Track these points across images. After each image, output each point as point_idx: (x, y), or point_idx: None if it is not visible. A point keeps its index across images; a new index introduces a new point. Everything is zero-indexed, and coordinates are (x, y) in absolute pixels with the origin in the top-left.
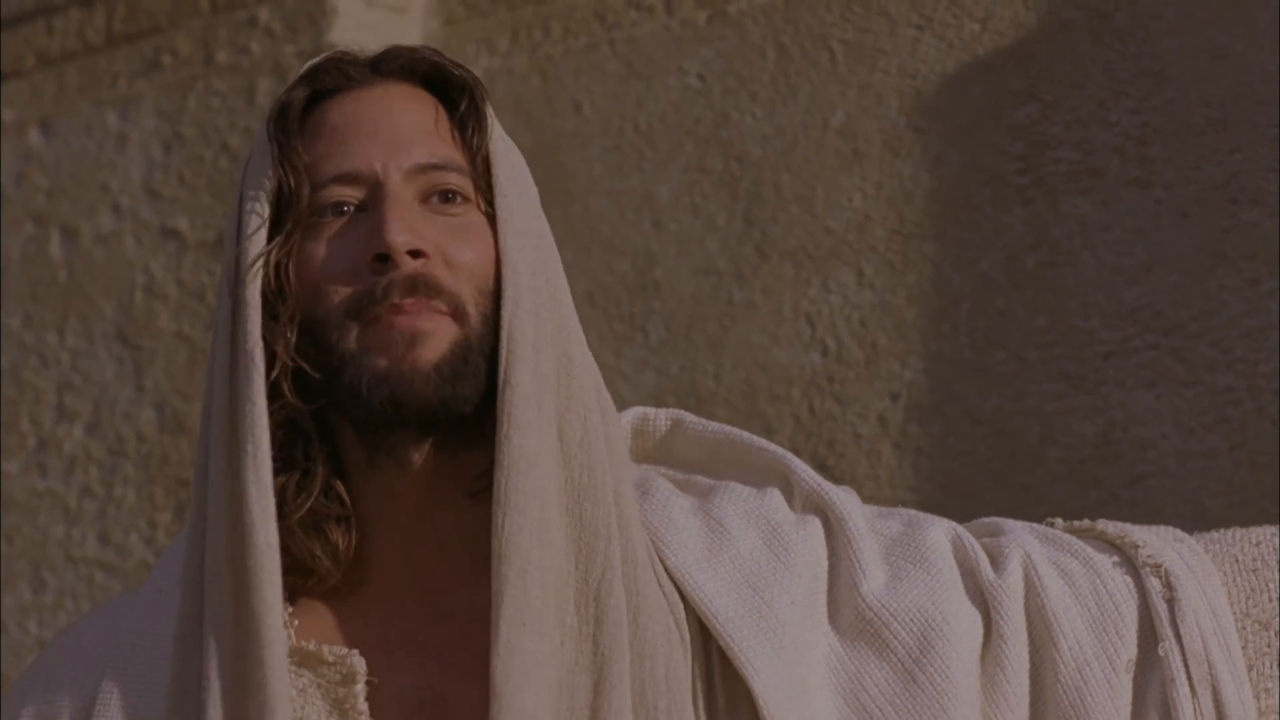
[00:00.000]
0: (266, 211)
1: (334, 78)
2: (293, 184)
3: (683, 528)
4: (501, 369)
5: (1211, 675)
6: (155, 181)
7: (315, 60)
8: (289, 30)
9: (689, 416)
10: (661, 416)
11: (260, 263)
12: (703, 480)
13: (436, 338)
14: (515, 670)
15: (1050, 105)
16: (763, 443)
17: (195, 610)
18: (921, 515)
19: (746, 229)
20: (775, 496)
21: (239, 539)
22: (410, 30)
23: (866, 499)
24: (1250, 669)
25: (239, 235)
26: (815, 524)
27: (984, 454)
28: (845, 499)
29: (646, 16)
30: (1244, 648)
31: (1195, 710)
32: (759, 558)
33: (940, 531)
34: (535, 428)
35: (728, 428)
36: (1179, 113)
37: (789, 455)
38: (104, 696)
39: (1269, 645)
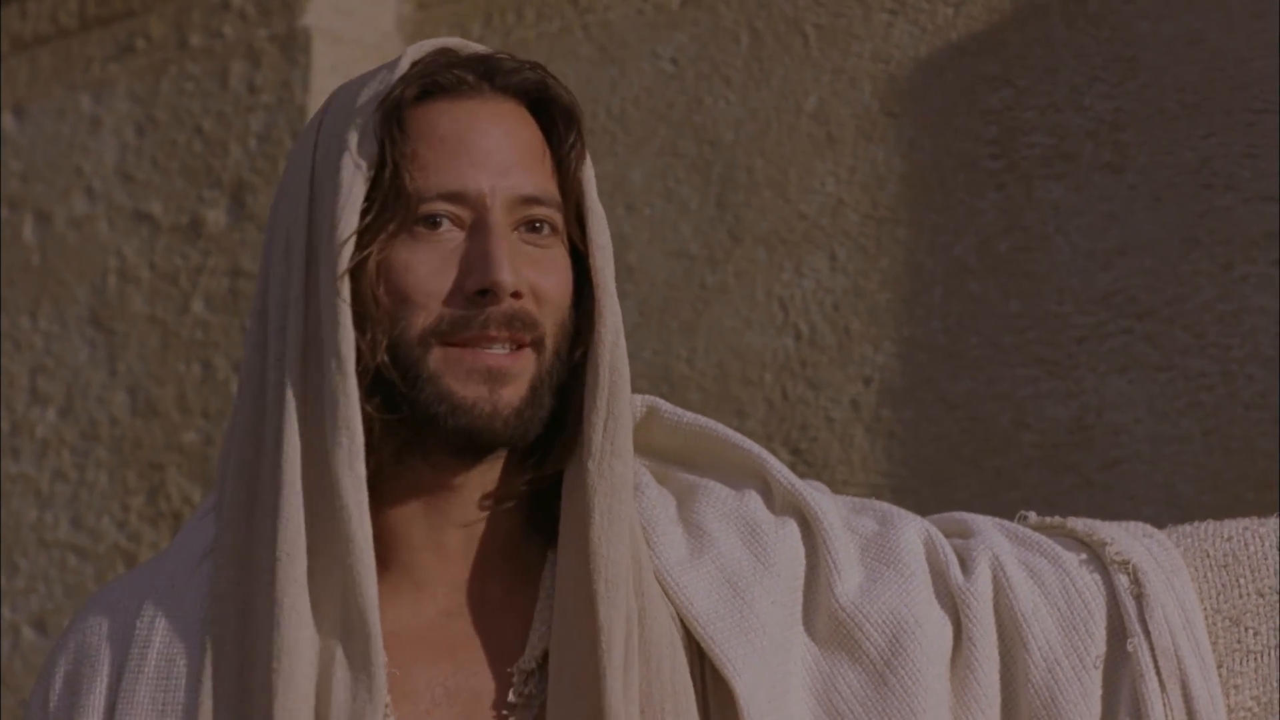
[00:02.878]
0: (360, 206)
1: (447, 79)
2: (402, 185)
3: (666, 530)
4: (603, 398)
5: (1180, 670)
6: (128, 165)
7: (422, 54)
8: (262, 14)
9: (664, 404)
10: (637, 403)
11: (352, 262)
12: (682, 476)
13: (522, 379)
14: (615, 701)
15: (1024, 90)
16: (739, 439)
17: (238, 590)
18: (896, 512)
19: (719, 213)
20: (753, 497)
21: (336, 530)
22: (384, 14)
23: (839, 483)
24: (1220, 665)
25: (332, 222)
26: (792, 525)
27: (957, 438)
28: (820, 499)
29: (620, 1)
30: (1214, 644)
31: (1165, 705)
32: (739, 557)
33: (913, 532)
34: (628, 454)
35: (703, 419)
36: (1153, 98)
37: (765, 454)
38: (124, 699)
39: (1238, 641)
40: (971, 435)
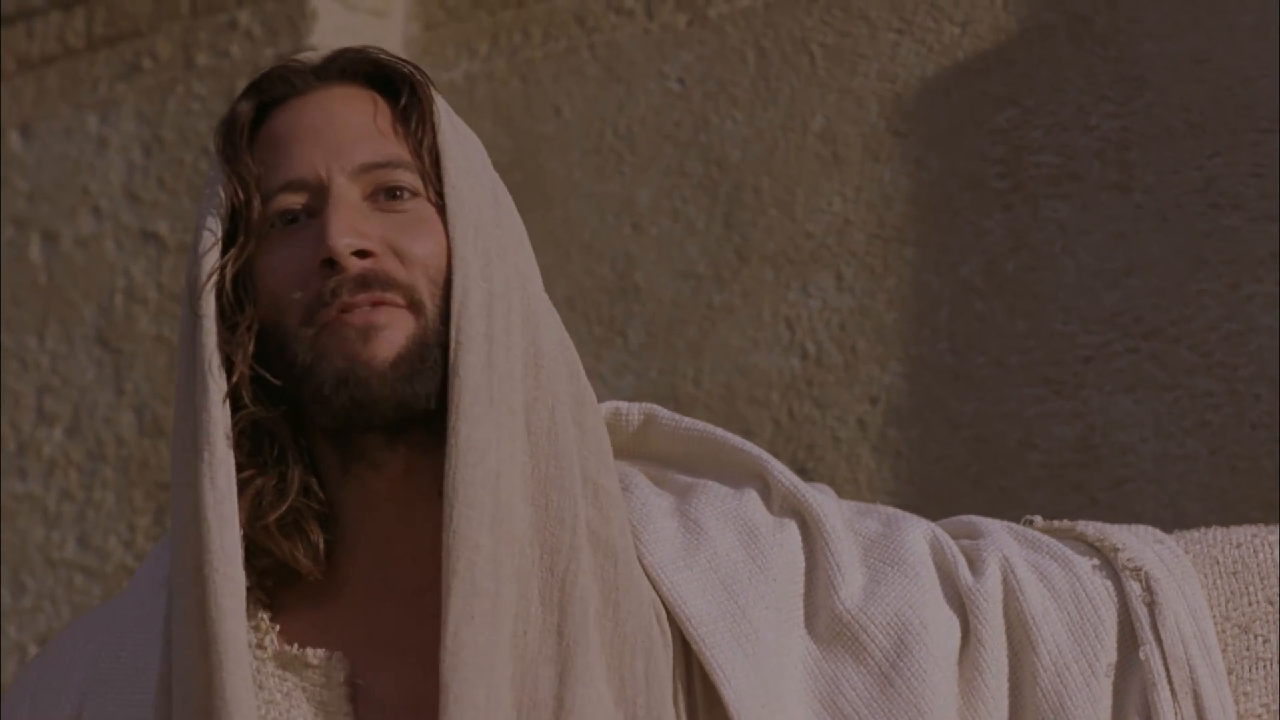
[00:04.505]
0: (219, 226)
1: (279, 87)
2: (243, 197)
3: (660, 527)
4: (450, 360)
5: (1192, 679)
6: (135, 185)
7: (261, 71)
8: (269, 34)
9: (662, 411)
10: (634, 410)
11: (215, 276)
12: (679, 478)
13: (392, 331)
14: (464, 664)
15: (1030, 110)
16: (739, 441)
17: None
18: (900, 514)
19: (726, 233)
20: (753, 498)
21: (198, 545)
22: (390, 34)
23: None
24: (1230, 672)
25: (195, 251)
26: (792, 527)
27: (963, 458)
28: (823, 500)
29: (627, 20)
30: (1223, 651)
31: (1177, 714)
32: (735, 560)
33: (919, 533)
34: (486, 419)
35: (702, 424)
36: (1159, 117)
37: (766, 455)
38: (90, 711)
39: (1248, 649)
40: (978, 455)
